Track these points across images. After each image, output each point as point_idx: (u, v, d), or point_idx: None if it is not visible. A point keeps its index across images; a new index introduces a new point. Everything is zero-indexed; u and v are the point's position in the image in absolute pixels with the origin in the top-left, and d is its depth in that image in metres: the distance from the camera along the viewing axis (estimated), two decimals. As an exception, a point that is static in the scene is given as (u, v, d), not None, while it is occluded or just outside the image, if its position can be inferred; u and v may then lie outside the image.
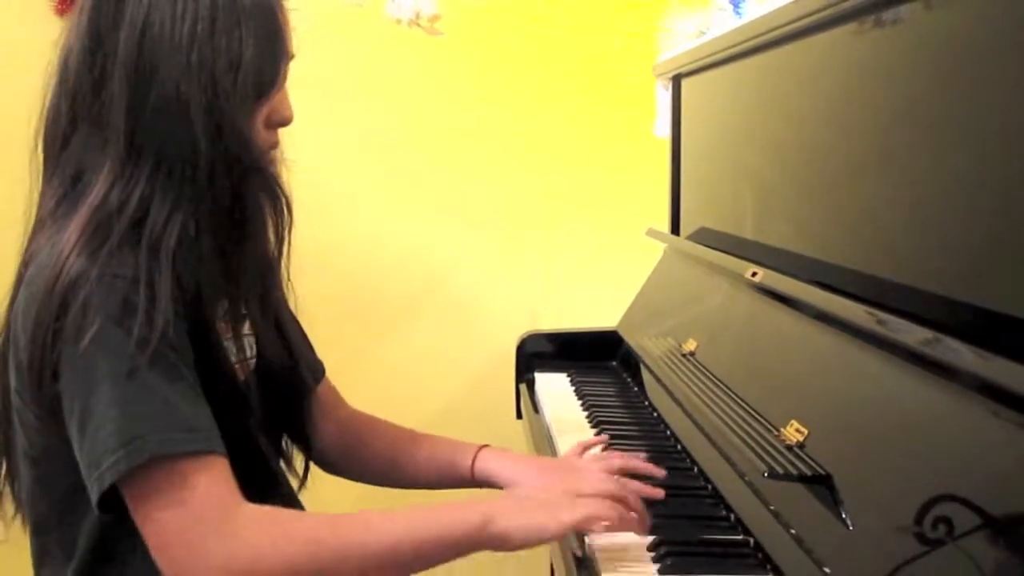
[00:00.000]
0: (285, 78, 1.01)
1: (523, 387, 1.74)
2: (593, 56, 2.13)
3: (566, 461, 1.20)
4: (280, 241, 1.03)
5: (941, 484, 0.80)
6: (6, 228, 2.21)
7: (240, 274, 1.01)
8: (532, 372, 1.77)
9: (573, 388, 1.65)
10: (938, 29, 0.94)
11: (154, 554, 0.87)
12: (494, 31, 2.12)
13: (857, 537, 0.85)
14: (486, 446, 1.19)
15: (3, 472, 1.03)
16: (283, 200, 1.01)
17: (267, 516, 0.89)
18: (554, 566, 1.13)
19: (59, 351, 0.87)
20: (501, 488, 1.17)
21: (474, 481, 1.19)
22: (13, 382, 0.94)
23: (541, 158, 2.16)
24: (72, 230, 0.90)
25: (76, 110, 0.96)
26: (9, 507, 1.04)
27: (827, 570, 0.84)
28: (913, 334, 0.88)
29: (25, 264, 0.96)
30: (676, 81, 1.81)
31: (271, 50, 0.97)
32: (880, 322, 0.94)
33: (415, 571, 0.94)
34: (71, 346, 0.86)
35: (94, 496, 0.86)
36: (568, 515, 0.95)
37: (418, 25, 2.09)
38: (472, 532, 0.92)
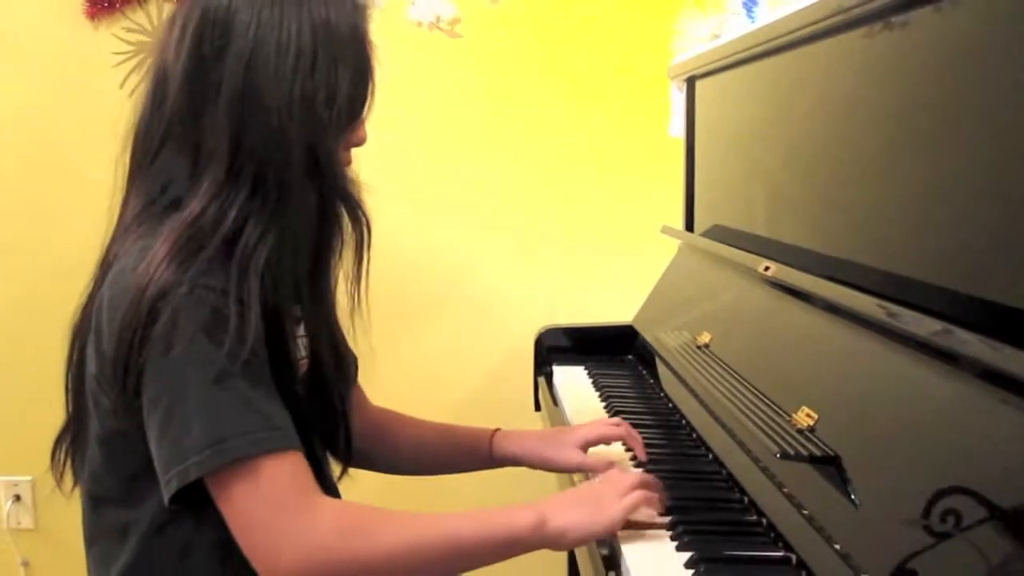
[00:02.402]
0: (372, 106, 1.05)
1: (541, 380, 1.77)
2: (609, 58, 2.14)
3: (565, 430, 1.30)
4: (360, 259, 1.08)
5: (945, 465, 0.82)
6: (22, 222, 2.26)
7: (319, 288, 1.06)
8: (550, 365, 1.79)
9: (591, 380, 1.68)
10: (946, 33, 0.96)
11: (238, 539, 0.93)
12: (513, 34, 2.13)
13: (864, 515, 0.87)
14: (499, 430, 1.29)
15: (69, 449, 1.08)
16: (365, 221, 1.07)
17: (341, 510, 0.95)
18: (580, 562, 1.17)
19: (146, 355, 0.91)
20: (517, 465, 1.27)
21: (492, 461, 1.28)
22: (92, 368, 0.99)
23: (558, 157, 2.17)
24: (164, 239, 0.94)
25: (171, 129, 1.00)
26: (68, 481, 1.10)
27: (837, 547, 0.86)
28: (919, 324, 0.91)
29: (108, 263, 1.01)
30: (690, 83, 1.83)
31: (362, 82, 1.02)
32: (889, 313, 0.96)
33: (471, 569, 0.98)
34: (160, 353, 0.91)
35: (172, 488, 0.91)
36: (616, 510, 1.00)
37: (438, 28, 2.11)
38: (529, 531, 0.97)
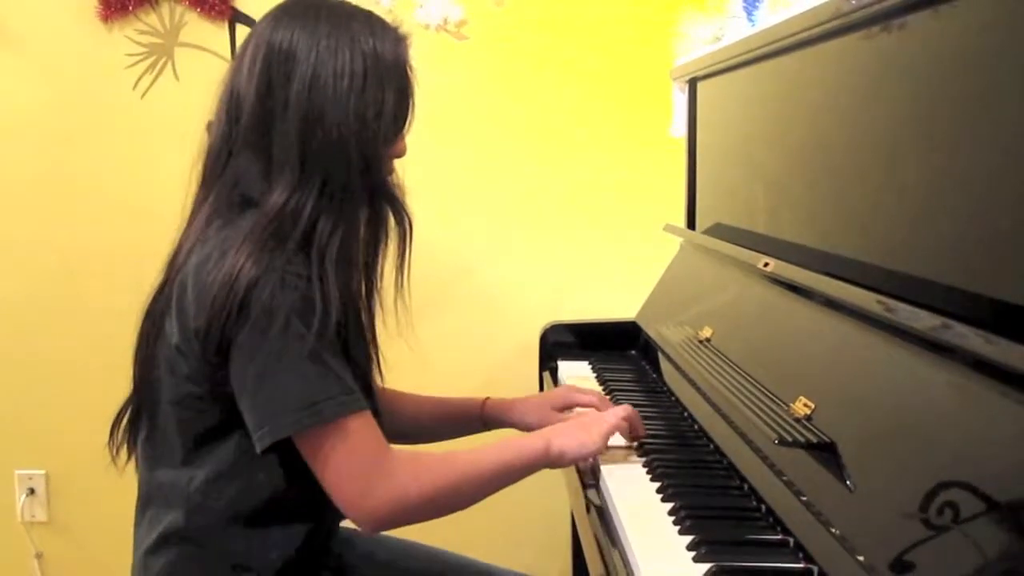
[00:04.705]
0: (412, 121, 1.23)
1: (546, 374, 1.80)
2: (612, 60, 2.16)
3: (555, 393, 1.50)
4: (403, 251, 1.26)
5: (937, 453, 0.85)
6: (35, 222, 2.29)
7: (369, 278, 1.25)
8: (555, 360, 1.82)
9: (595, 374, 1.71)
10: (944, 35, 0.98)
11: (329, 489, 1.10)
12: (519, 36, 2.16)
13: (859, 500, 0.90)
14: (488, 399, 1.48)
15: (131, 422, 1.22)
16: (407, 218, 1.25)
17: (411, 457, 1.13)
18: (584, 547, 1.21)
19: (239, 333, 1.07)
20: (508, 428, 1.47)
21: (485, 427, 1.48)
22: (174, 340, 1.14)
23: (563, 157, 2.19)
24: (250, 231, 1.10)
25: (246, 141, 1.16)
26: (123, 455, 1.24)
27: (833, 530, 0.90)
28: (915, 317, 0.93)
29: (187, 252, 1.15)
30: (692, 84, 1.86)
31: (403, 100, 1.20)
32: (885, 307, 0.99)
33: (499, 490, 1.17)
34: (259, 332, 1.06)
35: (265, 443, 1.08)
36: (600, 432, 1.23)
37: (445, 30, 2.15)
38: (540, 454, 1.19)
